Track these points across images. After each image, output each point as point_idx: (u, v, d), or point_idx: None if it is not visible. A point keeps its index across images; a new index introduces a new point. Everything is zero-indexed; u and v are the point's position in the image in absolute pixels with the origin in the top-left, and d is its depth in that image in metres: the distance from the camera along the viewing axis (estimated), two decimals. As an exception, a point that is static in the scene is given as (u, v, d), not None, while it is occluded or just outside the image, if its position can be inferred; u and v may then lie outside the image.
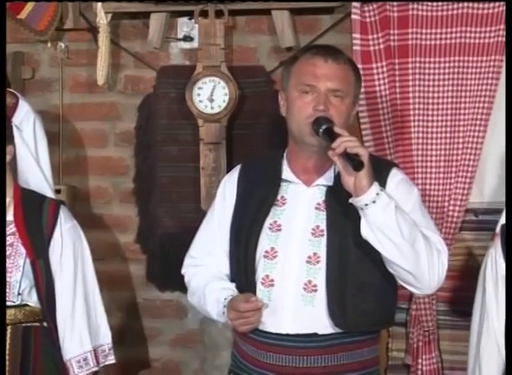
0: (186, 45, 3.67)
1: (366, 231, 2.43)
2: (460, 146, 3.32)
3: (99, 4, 3.57)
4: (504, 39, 3.21)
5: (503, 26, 3.22)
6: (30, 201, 2.95)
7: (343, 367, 2.56)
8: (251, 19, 3.61)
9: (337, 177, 2.51)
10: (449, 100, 3.32)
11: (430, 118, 3.34)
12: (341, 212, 2.52)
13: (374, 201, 2.39)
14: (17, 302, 2.87)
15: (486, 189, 3.37)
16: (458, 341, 3.40)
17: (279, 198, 2.61)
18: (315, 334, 2.53)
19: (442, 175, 3.35)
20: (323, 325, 2.52)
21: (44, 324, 2.91)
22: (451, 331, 3.42)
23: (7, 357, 2.85)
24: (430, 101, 3.33)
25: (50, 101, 3.80)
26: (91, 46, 3.71)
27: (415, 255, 2.45)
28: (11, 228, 2.90)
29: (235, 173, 2.75)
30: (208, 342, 3.73)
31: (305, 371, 2.54)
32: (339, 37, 3.51)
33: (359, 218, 2.44)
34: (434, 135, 3.34)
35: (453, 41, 3.29)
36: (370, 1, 3.30)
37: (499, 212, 3.31)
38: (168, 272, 3.63)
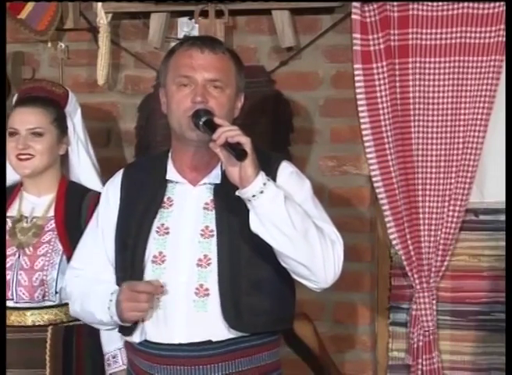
0: (187, 45, 3.67)
1: (255, 224, 2.30)
2: (460, 146, 3.32)
3: (99, 4, 3.56)
4: (504, 39, 3.22)
5: (503, 26, 3.23)
6: (73, 195, 2.87)
7: (242, 374, 2.43)
8: (251, 19, 3.61)
9: (224, 175, 2.38)
10: (449, 100, 3.32)
11: (430, 118, 3.34)
12: (230, 211, 2.40)
13: (261, 192, 2.27)
14: (57, 302, 2.80)
15: (486, 189, 3.36)
16: (458, 341, 3.40)
17: (165, 199, 2.47)
18: (209, 342, 2.39)
19: (442, 175, 3.35)
20: (218, 331, 2.39)
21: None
22: (451, 331, 3.42)
23: (47, 358, 2.78)
24: (430, 101, 3.33)
25: (50, 101, 3.80)
26: (91, 46, 3.70)
27: (308, 246, 2.32)
28: (51, 224, 2.84)
29: (118, 176, 2.59)
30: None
31: None
32: (339, 37, 3.51)
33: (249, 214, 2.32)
34: (434, 135, 3.34)
35: (453, 41, 3.29)
36: (370, 1, 3.30)
37: (499, 212, 3.33)
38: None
